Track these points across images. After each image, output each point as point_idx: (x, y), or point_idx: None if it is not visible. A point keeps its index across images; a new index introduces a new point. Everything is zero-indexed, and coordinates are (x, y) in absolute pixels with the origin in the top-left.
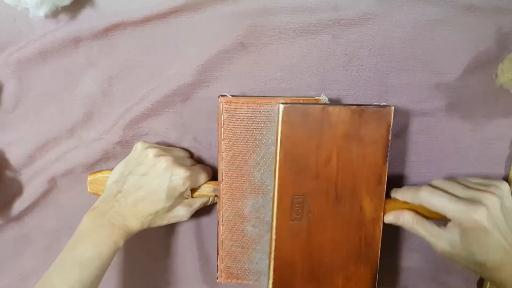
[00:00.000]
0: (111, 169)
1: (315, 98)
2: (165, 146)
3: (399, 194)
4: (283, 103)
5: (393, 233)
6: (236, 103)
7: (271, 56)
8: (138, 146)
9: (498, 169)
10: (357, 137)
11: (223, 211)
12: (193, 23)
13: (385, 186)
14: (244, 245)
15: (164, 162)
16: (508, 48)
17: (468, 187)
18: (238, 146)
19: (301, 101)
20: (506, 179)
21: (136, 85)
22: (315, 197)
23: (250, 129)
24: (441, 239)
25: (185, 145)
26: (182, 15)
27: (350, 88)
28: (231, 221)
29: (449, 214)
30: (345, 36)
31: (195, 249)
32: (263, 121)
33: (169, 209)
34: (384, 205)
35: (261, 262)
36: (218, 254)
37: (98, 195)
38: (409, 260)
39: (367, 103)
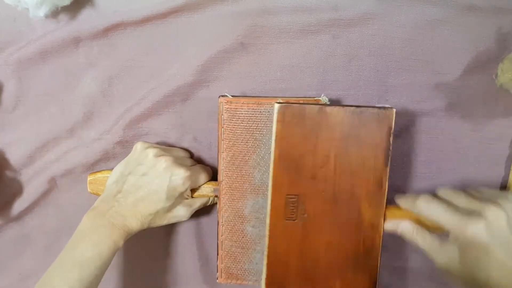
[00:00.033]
0: (111, 169)
1: (315, 98)
2: (165, 146)
3: (401, 201)
4: (278, 103)
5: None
6: (236, 103)
7: (271, 56)
8: (138, 146)
9: (498, 169)
10: (356, 139)
11: (223, 211)
12: (193, 23)
13: (386, 191)
14: (244, 245)
15: (164, 162)
16: (508, 48)
17: (474, 198)
18: (238, 146)
19: (301, 102)
20: (506, 179)
21: (136, 85)
22: (311, 198)
23: (250, 129)
24: (440, 254)
25: (185, 145)
26: (182, 15)
27: (350, 88)
28: (231, 221)
29: (445, 227)
30: (345, 36)
31: (195, 249)
32: (263, 121)
33: (169, 209)
34: (385, 212)
35: (261, 263)
36: (218, 254)
37: (98, 195)
38: (409, 260)
39: (367, 105)
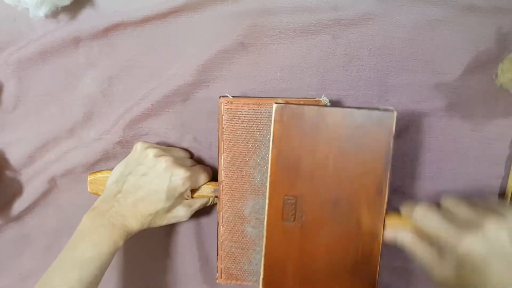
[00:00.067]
0: (111, 169)
1: (316, 99)
2: (165, 146)
3: (403, 209)
4: (276, 103)
5: None
6: (237, 103)
7: (271, 56)
8: (138, 146)
9: (498, 169)
10: (355, 142)
11: (223, 212)
12: (193, 23)
13: (386, 197)
14: (244, 246)
15: (164, 162)
16: (508, 48)
17: (476, 209)
18: (239, 147)
19: (301, 102)
20: (506, 179)
21: (136, 85)
22: (309, 201)
23: (250, 130)
24: (437, 267)
25: (185, 145)
26: (182, 15)
27: (350, 88)
28: (231, 222)
29: (441, 238)
30: (345, 36)
31: (195, 250)
32: (263, 122)
33: (169, 209)
34: (385, 219)
35: (260, 264)
36: (217, 255)
37: (98, 195)
38: (409, 260)
39: (368, 106)
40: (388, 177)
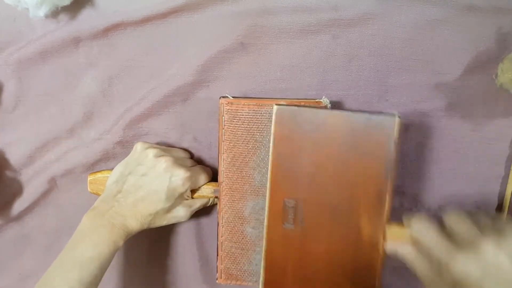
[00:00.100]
0: (111, 169)
1: (316, 100)
2: (165, 147)
3: (406, 220)
4: (277, 104)
5: None
6: (237, 104)
7: (271, 56)
8: (138, 146)
9: (498, 169)
10: (355, 146)
11: (223, 212)
12: (193, 23)
13: (387, 207)
14: (243, 246)
15: (164, 162)
16: (508, 48)
17: (478, 227)
18: (239, 148)
19: (302, 103)
20: (506, 179)
21: (136, 85)
22: (309, 204)
23: (251, 131)
24: (434, 284)
25: (185, 145)
26: (182, 15)
27: (350, 88)
28: (231, 222)
29: (436, 255)
30: (345, 36)
31: (195, 250)
32: (264, 122)
33: (169, 209)
34: (385, 229)
35: (260, 264)
36: (217, 255)
37: (98, 195)
38: None
39: (371, 110)
40: (389, 185)
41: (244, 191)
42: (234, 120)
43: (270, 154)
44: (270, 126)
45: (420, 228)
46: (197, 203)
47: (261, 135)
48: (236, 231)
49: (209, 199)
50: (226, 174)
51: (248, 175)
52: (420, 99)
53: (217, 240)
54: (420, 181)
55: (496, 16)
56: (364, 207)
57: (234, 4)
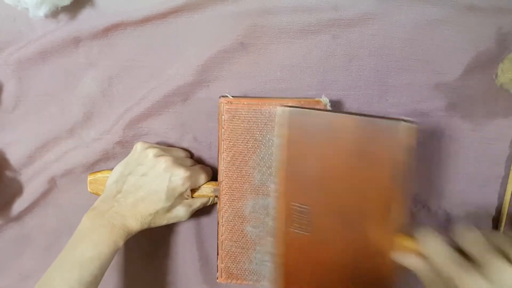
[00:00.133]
0: (111, 169)
1: (316, 99)
2: (165, 146)
3: (417, 233)
4: (285, 106)
5: None
6: (237, 103)
7: (271, 56)
8: (138, 146)
9: (498, 169)
10: (368, 153)
11: (223, 211)
12: (193, 23)
13: (398, 217)
14: (244, 245)
15: (164, 162)
16: (508, 48)
17: (491, 247)
18: (239, 147)
19: (301, 102)
20: (506, 179)
21: (136, 85)
22: (318, 211)
23: (250, 130)
24: None
25: (185, 145)
26: (182, 15)
27: (350, 88)
28: (231, 221)
29: (445, 272)
30: (345, 36)
31: (195, 249)
32: (263, 122)
33: (169, 209)
34: (393, 240)
35: (261, 263)
36: (218, 254)
37: (98, 195)
38: None
39: (385, 116)
40: (399, 194)
41: (244, 190)
42: (233, 119)
43: (277, 156)
44: (270, 125)
45: (432, 246)
46: (197, 203)
47: (260, 134)
48: (236, 230)
49: (209, 199)
50: (226, 173)
51: (248, 174)
52: (420, 99)
53: (217, 239)
54: (420, 181)
55: (496, 16)
56: (374, 217)
57: (234, 4)
